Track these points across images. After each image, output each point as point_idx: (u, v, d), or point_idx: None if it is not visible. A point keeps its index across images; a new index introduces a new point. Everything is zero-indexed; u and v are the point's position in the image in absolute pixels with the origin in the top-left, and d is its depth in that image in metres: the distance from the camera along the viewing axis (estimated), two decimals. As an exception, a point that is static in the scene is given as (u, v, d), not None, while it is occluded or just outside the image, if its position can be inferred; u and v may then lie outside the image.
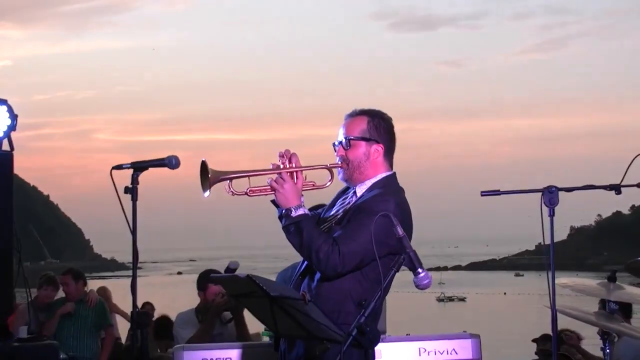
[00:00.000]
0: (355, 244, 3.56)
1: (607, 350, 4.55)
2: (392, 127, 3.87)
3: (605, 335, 4.56)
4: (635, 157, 4.19)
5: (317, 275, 3.68)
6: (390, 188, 3.76)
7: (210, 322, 5.78)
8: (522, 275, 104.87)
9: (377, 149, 3.80)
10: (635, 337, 4.73)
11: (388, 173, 3.83)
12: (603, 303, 5.79)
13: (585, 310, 4.75)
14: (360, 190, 3.79)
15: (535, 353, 7.51)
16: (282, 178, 3.68)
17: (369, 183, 3.79)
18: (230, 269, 5.47)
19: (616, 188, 4.21)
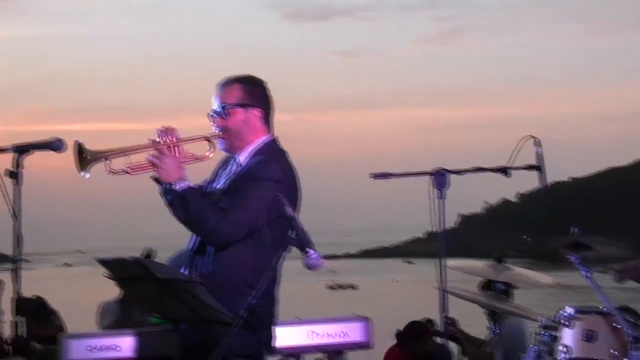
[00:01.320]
0: (243, 212, 3.53)
1: (496, 330, 4.63)
2: (266, 90, 3.85)
3: (493, 315, 4.65)
4: (523, 139, 4.25)
5: (210, 249, 3.62)
6: (273, 153, 3.74)
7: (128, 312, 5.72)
8: (413, 263, 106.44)
9: (255, 114, 3.77)
10: (524, 317, 4.84)
11: (268, 138, 3.80)
12: (484, 287, 5.94)
13: (474, 291, 4.84)
14: (243, 157, 3.75)
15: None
16: (161, 153, 3.62)
17: (250, 149, 3.75)
18: (146, 256, 5.36)
19: (505, 170, 4.27)
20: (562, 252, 3.97)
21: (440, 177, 4.19)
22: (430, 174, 4.20)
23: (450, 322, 6.50)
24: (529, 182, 4.40)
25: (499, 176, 4.28)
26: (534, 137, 4.23)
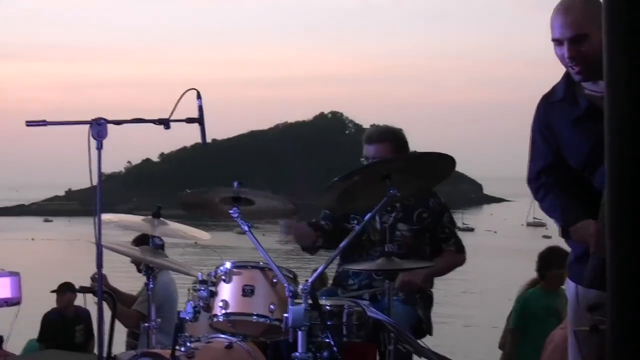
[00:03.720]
0: None
1: (151, 285, 4.52)
2: None
3: (149, 270, 4.53)
4: (185, 91, 4.15)
5: None
6: None
7: None
8: (52, 221, 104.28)
9: None
10: (181, 272, 4.77)
11: None
12: (137, 242, 5.83)
13: (129, 245, 4.69)
14: None
15: None
16: None
17: None
18: None
19: (165, 122, 4.14)
20: (222, 207, 3.92)
21: (98, 127, 3.99)
22: (89, 123, 3.98)
23: (96, 279, 6.32)
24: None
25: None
26: (195, 89, 4.14)
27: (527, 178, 3.63)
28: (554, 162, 3.52)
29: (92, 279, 6.33)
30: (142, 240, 5.99)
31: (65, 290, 8.43)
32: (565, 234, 3.41)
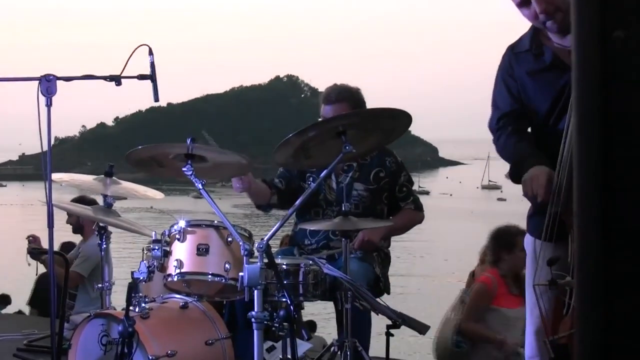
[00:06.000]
0: None
1: (104, 245, 4.45)
2: None
3: (101, 230, 4.44)
4: (137, 47, 4.06)
5: None
6: None
7: None
8: (5, 186, 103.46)
9: None
10: (134, 231, 4.68)
11: None
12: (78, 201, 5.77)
13: (80, 205, 4.60)
14: None
15: None
16: None
17: None
18: None
19: (116, 79, 4.05)
20: (175, 164, 3.84)
21: (48, 84, 3.89)
22: (37, 79, 3.88)
23: (32, 240, 6.24)
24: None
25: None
26: (147, 45, 4.05)
27: (488, 124, 3.63)
28: (515, 109, 3.53)
29: (29, 240, 6.24)
30: (81, 202, 5.91)
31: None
32: (516, 178, 3.40)
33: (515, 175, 3.40)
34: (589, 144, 1.46)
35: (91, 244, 6.31)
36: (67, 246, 7.96)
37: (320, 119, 4.90)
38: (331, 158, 3.62)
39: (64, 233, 7.06)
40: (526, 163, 3.33)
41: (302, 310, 4.64)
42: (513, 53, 3.54)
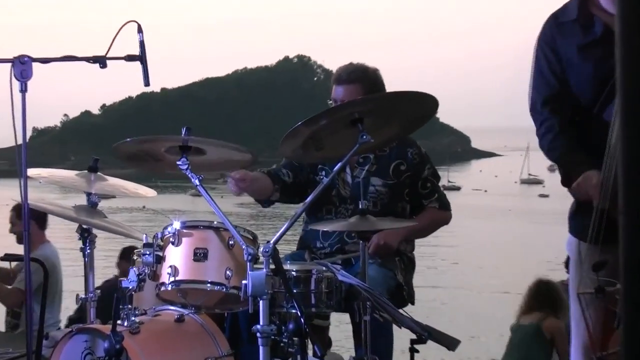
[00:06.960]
0: None
1: (88, 250, 4.46)
2: None
3: (84, 233, 4.44)
4: (124, 24, 4.06)
5: None
6: None
7: None
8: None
9: None
10: (122, 234, 4.69)
11: None
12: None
13: (62, 205, 4.62)
14: None
15: None
16: None
17: None
18: None
19: (101, 61, 4.06)
20: (168, 157, 3.85)
21: (22, 66, 3.90)
22: (10, 61, 3.89)
23: None
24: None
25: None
26: (136, 21, 4.05)
27: (529, 107, 3.57)
28: (560, 91, 3.45)
29: None
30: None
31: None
32: (566, 182, 3.39)
33: (564, 179, 3.40)
34: (636, 132, 1.45)
35: (39, 255, 6.39)
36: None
37: (330, 102, 4.90)
38: (346, 149, 3.62)
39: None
40: (573, 165, 3.32)
41: (328, 321, 4.69)
42: (556, 23, 3.44)
